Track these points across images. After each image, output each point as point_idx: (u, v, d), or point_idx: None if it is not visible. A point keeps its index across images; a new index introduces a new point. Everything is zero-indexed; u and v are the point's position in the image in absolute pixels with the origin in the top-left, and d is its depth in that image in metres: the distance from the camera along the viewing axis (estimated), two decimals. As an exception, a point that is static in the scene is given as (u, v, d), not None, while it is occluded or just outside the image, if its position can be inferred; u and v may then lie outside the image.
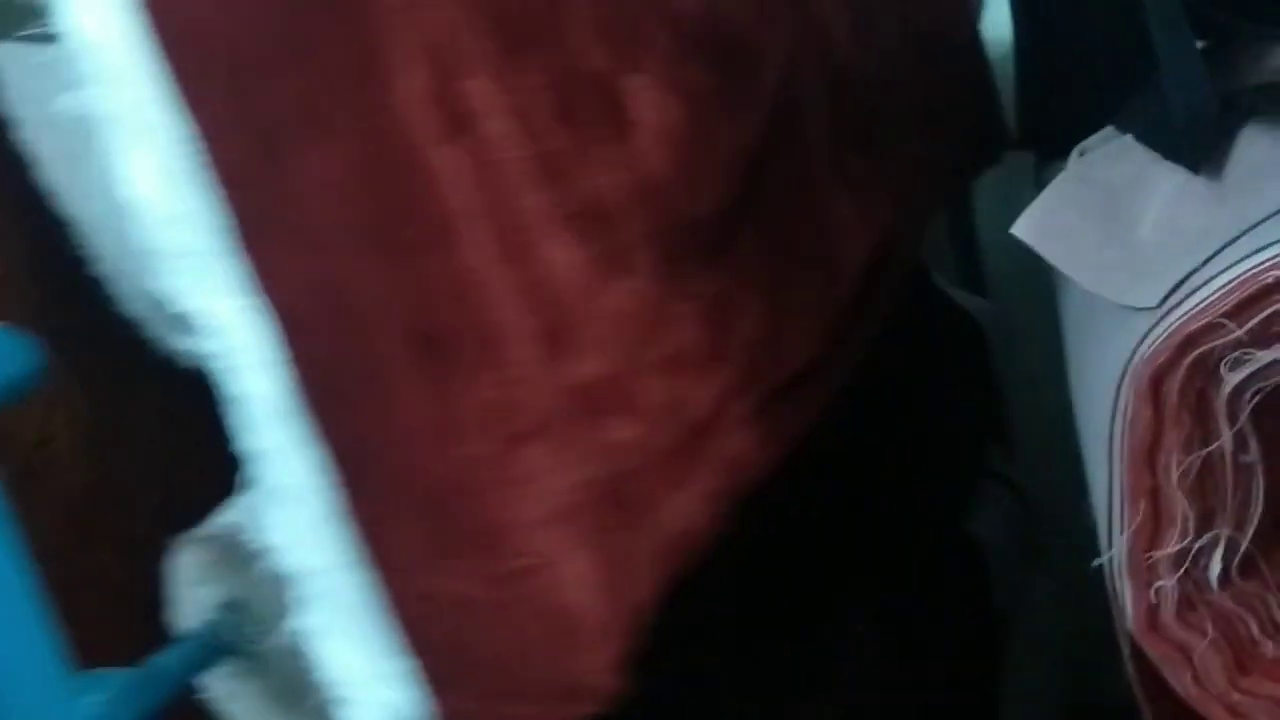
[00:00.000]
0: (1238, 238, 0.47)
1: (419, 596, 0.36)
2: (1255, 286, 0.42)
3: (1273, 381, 0.43)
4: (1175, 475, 0.44)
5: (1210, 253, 0.47)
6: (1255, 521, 0.45)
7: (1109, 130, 0.66)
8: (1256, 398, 0.43)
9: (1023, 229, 0.61)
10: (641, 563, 0.43)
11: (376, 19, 0.37)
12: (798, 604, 0.78)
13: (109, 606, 0.49)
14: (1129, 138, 0.63)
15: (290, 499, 0.38)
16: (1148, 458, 0.44)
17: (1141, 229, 0.55)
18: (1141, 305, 0.48)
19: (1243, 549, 0.45)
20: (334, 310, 0.35)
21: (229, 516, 0.42)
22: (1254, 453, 0.44)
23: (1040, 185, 1.06)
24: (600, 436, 0.42)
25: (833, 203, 0.65)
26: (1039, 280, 1.41)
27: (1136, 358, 0.46)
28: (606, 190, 0.47)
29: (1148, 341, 0.46)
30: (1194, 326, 0.43)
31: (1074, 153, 0.67)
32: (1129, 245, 0.54)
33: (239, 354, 0.36)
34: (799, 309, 0.59)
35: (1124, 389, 0.46)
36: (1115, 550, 0.47)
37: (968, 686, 0.97)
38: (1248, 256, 0.44)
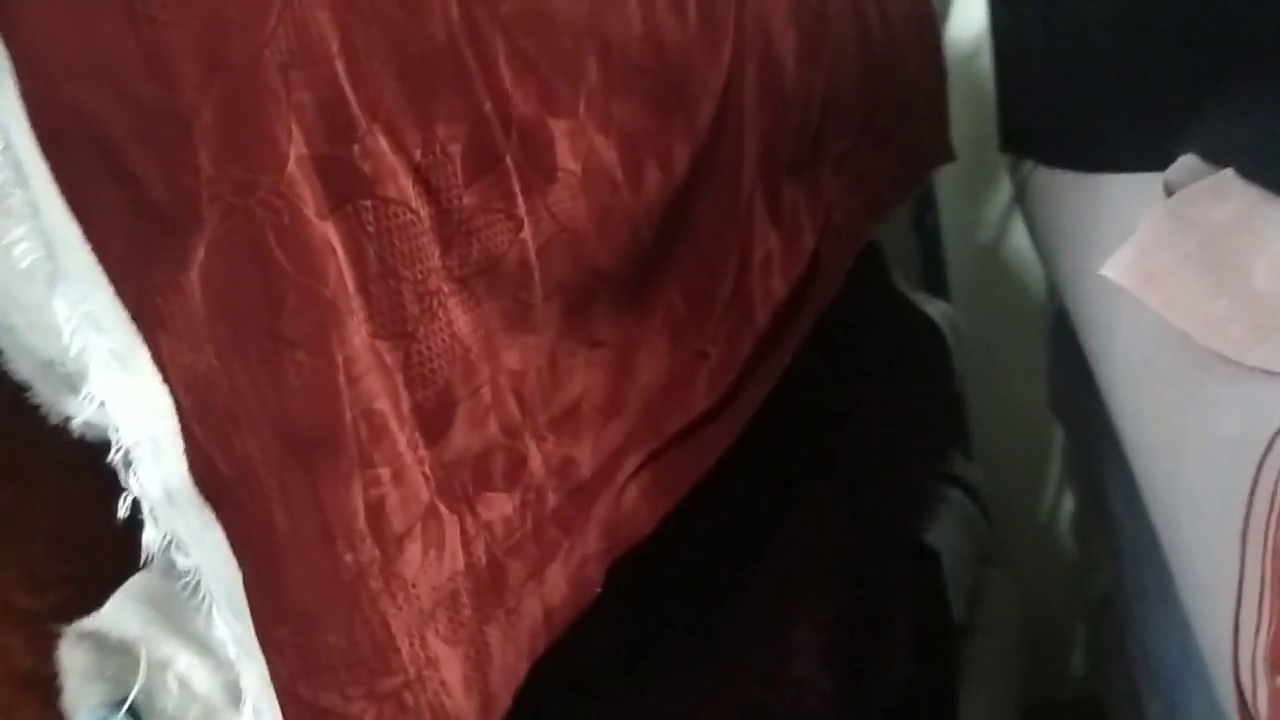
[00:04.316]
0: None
1: (300, 709, 0.34)
2: None
3: None
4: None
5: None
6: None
7: (1192, 161, 0.60)
8: None
9: (1116, 271, 0.55)
10: (507, 650, 0.40)
11: (255, 78, 0.33)
12: (742, 633, 0.76)
13: (12, 689, 0.46)
14: (1228, 172, 0.56)
15: (189, 592, 0.35)
16: (1297, 547, 0.39)
17: (1257, 278, 0.49)
18: (1276, 369, 0.43)
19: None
20: (213, 409, 0.32)
21: (123, 612, 0.39)
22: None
23: (1019, 190, 1.04)
24: (473, 520, 0.39)
25: (758, 237, 0.62)
26: (1001, 285, 1.41)
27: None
28: (514, 246, 0.44)
29: (1304, 418, 0.39)
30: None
31: (1161, 187, 0.60)
32: (1244, 296, 0.48)
33: (137, 434, 0.33)
34: (708, 352, 0.56)
35: (1269, 469, 0.41)
36: (1246, 643, 0.42)
37: (928, 698, 0.97)
38: None
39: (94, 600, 0.40)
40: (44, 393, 0.37)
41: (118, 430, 0.33)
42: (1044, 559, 1.48)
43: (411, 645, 0.34)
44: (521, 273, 0.44)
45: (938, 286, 1.33)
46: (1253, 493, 0.42)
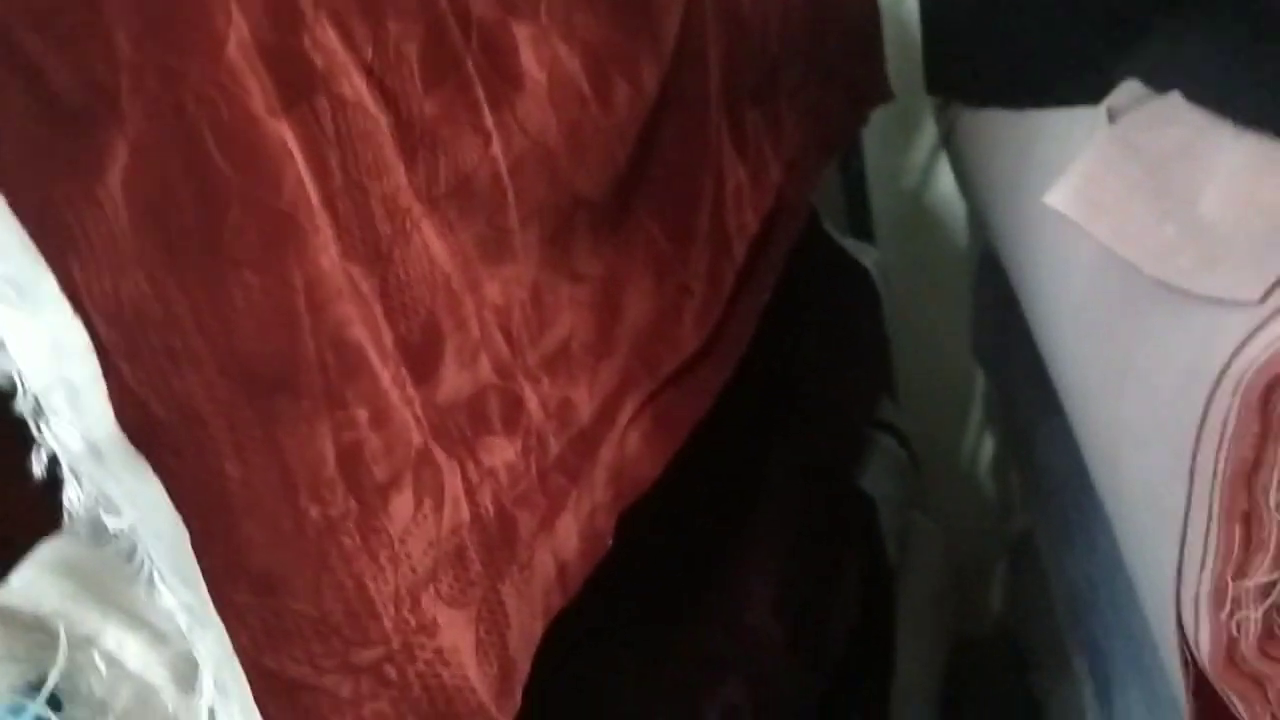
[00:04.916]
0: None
1: (267, 682, 0.29)
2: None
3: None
4: (1275, 497, 0.39)
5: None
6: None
7: (1136, 87, 0.57)
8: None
9: (1060, 200, 0.53)
10: (523, 610, 0.36)
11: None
12: (698, 585, 0.74)
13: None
14: (1174, 96, 0.54)
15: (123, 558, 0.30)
16: (1247, 479, 0.39)
17: (1204, 204, 0.47)
18: (1227, 297, 0.42)
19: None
20: (145, 344, 0.27)
21: (36, 583, 0.33)
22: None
23: (945, 133, 1.03)
24: (475, 466, 0.35)
25: (728, 168, 0.59)
26: (925, 230, 1.41)
27: (1243, 363, 0.39)
28: (484, 163, 0.39)
29: (1256, 345, 0.39)
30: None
31: (1102, 111, 0.58)
32: (1191, 223, 0.47)
33: (47, 379, 0.28)
34: (692, 288, 0.53)
35: (1220, 399, 0.40)
36: (1190, 579, 0.42)
37: (867, 644, 0.98)
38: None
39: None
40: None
41: (21, 375, 0.27)
42: (964, 500, 1.51)
43: (398, 611, 0.30)
44: (495, 193, 0.39)
45: (863, 232, 1.32)
46: (1202, 425, 0.41)
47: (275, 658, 0.28)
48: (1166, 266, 0.46)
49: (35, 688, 0.34)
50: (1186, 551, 0.42)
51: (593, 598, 0.66)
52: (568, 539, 0.40)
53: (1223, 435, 0.40)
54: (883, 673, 1.05)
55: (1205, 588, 0.41)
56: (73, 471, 0.28)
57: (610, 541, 0.43)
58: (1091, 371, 0.57)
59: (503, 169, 0.39)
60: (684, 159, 0.55)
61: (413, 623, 0.31)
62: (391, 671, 0.30)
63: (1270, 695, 0.41)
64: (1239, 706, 0.41)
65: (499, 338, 0.39)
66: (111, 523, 0.29)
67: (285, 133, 0.29)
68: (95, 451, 0.28)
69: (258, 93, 0.28)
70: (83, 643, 0.32)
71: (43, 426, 0.28)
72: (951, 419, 1.51)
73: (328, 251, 0.30)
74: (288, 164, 0.29)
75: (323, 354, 0.29)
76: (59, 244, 0.26)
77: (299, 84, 0.30)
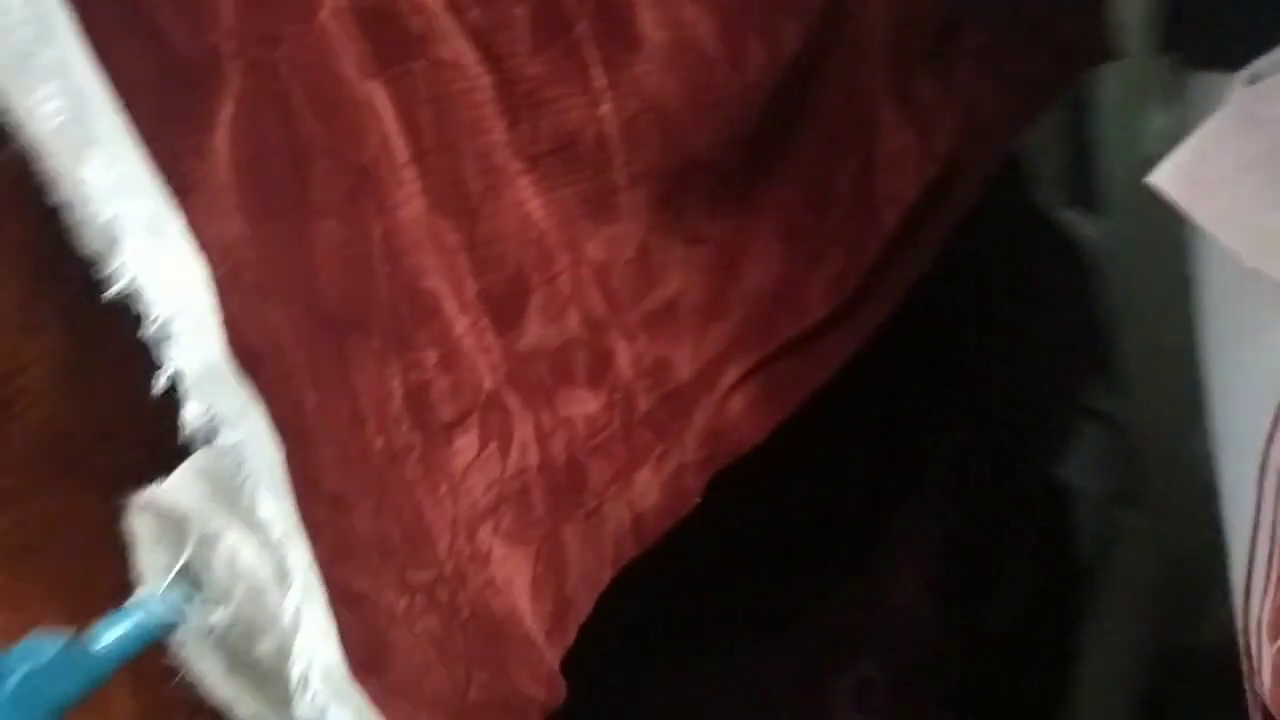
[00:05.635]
0: None
1: (336, 592, 0.33)
2: None
3: None
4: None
5: None
6: None
7: None
8: None
9: (1164, 178, 0.48)
10: (586, 554, 0.37)
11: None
12: (843, 560, 0.73)
13: (91, 544, 0.47)
14: None
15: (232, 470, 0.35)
16: (1309, 500, 0.34)
17: None
18: None
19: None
20: (244, 280, 0.31)
21: (182, 484, 0.39)
22: None
23: (1185, 98, 0.92)
24: (550, 415, 0.37)
25: (886, 132, 0.55)
26: (1161, 203, 1.28)
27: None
28: (590, 123, 0.40)
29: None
30: None
31: (1237, 79, 0.51)
32: None
33: (174, 307, 0.33)
34: (827, 255, 0.51)
35: None
36: (1255, 605, 0.38)
37: (1038, 644, 0.92)
38: None
39: (168, 467, 0.40)
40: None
41: (153, 303, 0.32)
42: (1188, 501, 1.37)
43: (454, 539, 0.32)
44: (600, 154, 0.40)
45: (1087, 203, 1.22)
46: (1270, 438, 0.37)
47: (344, 570, 0.31)
48: (1268, 257, 0.42)
49: (183, 574, 0.40)
50: (1254, 575, 0.39)
51: (730, 562, 0.67)
52: (646, 492, 0.41)
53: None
54: (1061, 669, 0.99)
55: (1267, 616, 0.37)
56: (191, 390, 0.32)
57: (698, 499, 0.43)
58: (1210, 371, 0.53)
59: (611, 129, 0.40)
60: (829, 120, 0.53)
61: (467, 551, 0.33)
62: (443, 593, 0.32)
63: (1336, 740, 0.35)
64: (1302, 748, 0.36)
65: (595, 294, 0.40)
66: (223, 438, 0.33)
67: (375, 93, 0.31)
68: (211, 374, 0.32)
69: (350, 55, 0.31)
70: (209, 540, 0.37)
71: (167, 349, 0.32)
72: (1180, 412, 1.37)
73: (410, 205, 0.32)
74: (372, 122, 0.31)
75: (396, 299, 0.31)
76: (183, 188, 0.30)
77: (395, 47, 0.32)
